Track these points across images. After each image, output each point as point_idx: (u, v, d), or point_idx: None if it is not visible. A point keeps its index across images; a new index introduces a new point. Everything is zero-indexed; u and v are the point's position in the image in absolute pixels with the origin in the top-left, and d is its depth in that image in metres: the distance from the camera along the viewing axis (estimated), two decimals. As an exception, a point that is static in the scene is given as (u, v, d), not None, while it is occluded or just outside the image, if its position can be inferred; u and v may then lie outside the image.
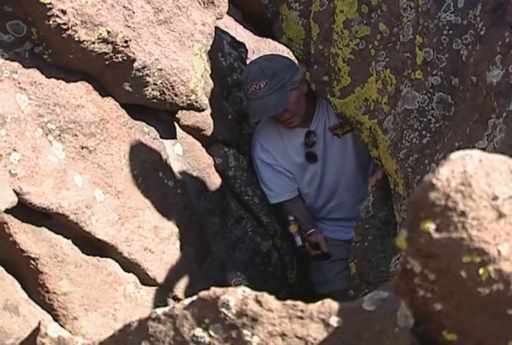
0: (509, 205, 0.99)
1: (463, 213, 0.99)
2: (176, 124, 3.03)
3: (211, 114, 3.17)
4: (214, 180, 3.17)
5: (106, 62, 2.43)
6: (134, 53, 2.46)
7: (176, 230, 2.73)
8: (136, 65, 2.50)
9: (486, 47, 2.23)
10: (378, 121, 2.84)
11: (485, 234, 0.99)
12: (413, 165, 2.55)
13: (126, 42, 2.39)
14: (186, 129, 3.11)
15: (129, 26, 2.42)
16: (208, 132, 3.22)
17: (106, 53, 2.39)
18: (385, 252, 2.77)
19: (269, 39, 4.03)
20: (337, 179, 3.34)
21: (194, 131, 3.15)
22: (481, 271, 0.99)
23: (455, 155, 1.02)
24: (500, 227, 0.99)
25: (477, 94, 2.25)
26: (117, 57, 2.42)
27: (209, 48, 2.98)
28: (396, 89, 2.70)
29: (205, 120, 3.16)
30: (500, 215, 0.99)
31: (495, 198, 0.99)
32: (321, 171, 3.33)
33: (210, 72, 3.00)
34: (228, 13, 3.70)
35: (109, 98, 2.57)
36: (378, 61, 2.83)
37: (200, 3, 2.85)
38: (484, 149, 2.03)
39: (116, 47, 2.38)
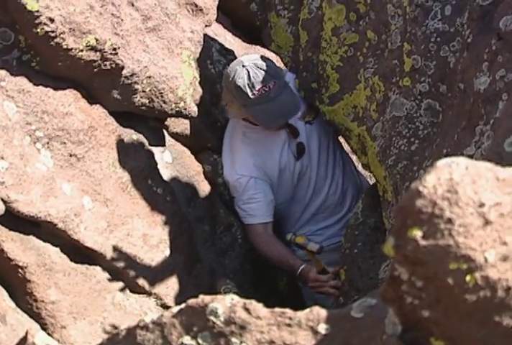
0: (495, 212, 1.00)
1: (450, 220, 1.00)
2: (165, 132, 3.03)
3: (200, 121, 3.16)
4: (203, 187, 3.17)
5: (95, 70, 2.43)
6: (122, 61, 2.46)
7: (165, 237, 2.73)
8: (124, 72, 2.50)
9: (473, 54, 2.24)
10: (367, 128, 2.84)
11: (472, 241, 0.99)
12: (401, 172, 2.56)
13: (114, 49, 2.40)
14: (175, 136, 3.11)
15: (117, 34, 2.42)
16: (198, 139, 3.22)
17: (95, 61, 2.39)
18: (375, 259, 2.77)
19: (258, 47, 4.03)
20: (318, 170, 3.29)
21: (183, 139, 3.15)
22: (468, 278, 0.99)
23: (441, 163, 1.02)
24: (487, 234, 1.00)
25: (464, 101, 2.26)
26: (105, 65, 2.42)
27: (198, 55, 2.98)
28: (384, 96, 2.71)
29: (194, 127, 3.16)
30: (487, 222, 1.00)
31: (482, 205, 1.00)
32: (307, 165, 3.26)
33: (199, 79, 3.00)
34: (217, 20, 3.71)
35: (98, 105, 2.57)
36: (367, 68, 2.84)
37: (188, 11, 2.85)
38: (472, 156, 2.04)
39: (105, 54, 2.38)
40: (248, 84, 2.99)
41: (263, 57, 3.11)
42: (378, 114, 2.76)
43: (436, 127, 2.49)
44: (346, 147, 3.40)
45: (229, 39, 3.88)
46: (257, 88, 2.99)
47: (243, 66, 3.01)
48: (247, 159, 3.16)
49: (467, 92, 2.24)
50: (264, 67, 3.01)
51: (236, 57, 3.57)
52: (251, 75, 2.99)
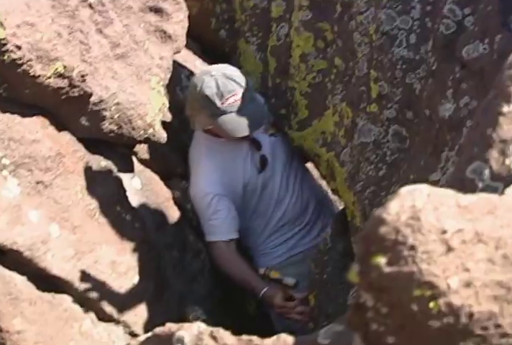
0: (457, 239, 1.01)
1: (413, 247, 1.01)
2: (134, 158, 3.03)
3: (170, 147, 3.16)
4: (173, 214, 3.16)
5: (63, 97, 2.42)
6: (90, 87, 2.46)
7: (134, 264, 2.71)
8: (93, 99, 2.50)
9: (438, 81, 2.28)
10: (335, 154, 2.87)
11: (435, 268, 1.00)
12: (369, 197, 2.58)
13: (82, 76, 2.40)
14: (144, 162, 3.11)
15: (85, 61, 2.42)
16: (167, 165, 3.22)
17: (62, 88, 2.38)
18: (344, 284, 2.78)
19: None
20: (280, 182, 3.28)
21: (152, 165, 3.15)
22: (431, 304, 1.00)
23: (404, 190, 1.04)
24: (450, 260, 1.01)
25: (430, 127, 2.29)
26: (73, 92, 2.42)
27: (167, 82, 2.99)
28: (352, 122, 2.73)
29: (163, 153, 3.16)
30: (449, 248, 1.01)
31: (444, 232, 1.01)
32: (270, 178, 3.25)
33: (168, 105, 3.00)
34: (187, 46, 3.73)
35: (66, 132, 2.56)
36: (335, 94, 2.88)
37: (157, 38, 2.87)
38: (438, 182, 2.06)
39: (73, 81, 2.38)
40: (216, 93, 2.97)
41: (231, 67, 3.10)
42: (346, 140, 2.79)
43: (403, 153, 2.51)
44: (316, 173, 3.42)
45: (198, 66, 3.90)
46: (225, 98, 2.97)
47: (211, 75, 2.99)
48: (211, 175, 3.13)
49: (433, 118, 2.27)
50: (233, 77, 3.00)
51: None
52: (219, 84, 2.97)
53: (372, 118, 2.61)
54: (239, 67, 3.35)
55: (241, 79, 3.02)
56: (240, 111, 2.98)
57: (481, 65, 2.07)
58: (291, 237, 3.33)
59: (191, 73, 3.51)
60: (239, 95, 2.98)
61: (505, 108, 1.16)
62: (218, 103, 2.97)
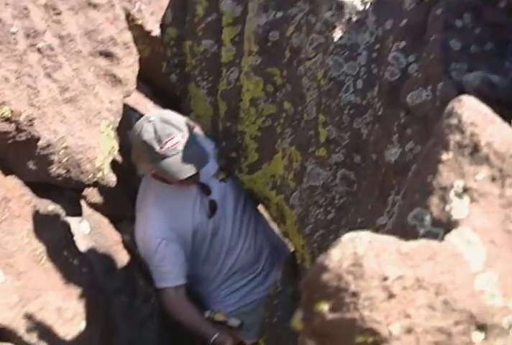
0: (398, 285, 1.02)
1: (355, 294, 1.02)
2: (83, 201, 3.00)
3: (119, 190, 3.14)
4: (122, 258, 3.13)
5: (9, 141, 2.40)
6: (38, 132, 2.45)
7: (81, 310, 2.66)
8: (40, 143, 2.49)
9: (384, 126, 2.32)
10: (285, 197, 2.88)
11: (377, 314, 1.01)
12: (318, 241, 2.59)
13: (30, 120, 2.38)
14: (94, 205, 3.08)
15: (33, 105, 2.41)
16: (116, 208, 3.20)
17: (9, 132, 2.37)
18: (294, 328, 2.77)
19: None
20: (232, 228, 3.27)
21: (102, 208, 3.12)
22: (374, 351, 1.00)
23: (345, 237, 1.05)
24: (391, 307, 1.02)
25: (377, 171, 2.32)
26: (21, 136, 2.40)
27: (117, 125, 2.99)
28: (301, 166, 2.76)
29: (113, 196, 3.14)
30: (391, 295, 1.02)
31: (385, 279, 1.02)
32: (220, 224, 3.24)
33: (118, 148, 3.00)
34: (139, 89, 3.74)
35: (12, 176, 2.53)
36: (284, 138, 2.90)
37: (107, 82, 2.87)
38: (384, 226, 2.09)
39: (20, 126, 2.37)
40: (154, 138, 2.99)
41: (170, 112, 3.13)
42: (296, 183, 2.81)
43: (351, 196, 2.54)
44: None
45: (149, 109, 3.92)
46: (163, 142, 2.99)
47: (149, 121, 3.02)
48: (160, 221, 3.11)
49: (379, 163, 2.30)
50: (171, 121, 3.03)
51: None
52: (157, 128, 2.99)
53: (321, 162, 2.64)
54: (190, 111, 3.37)
55: (179, 122, 3.06)
56: (180, 154, 3.00)
57: (424, 111, 2.12)
58: (244, 285, 3.31)
59: (141, 116, 3.52)
60: (178, 138, 3.01)
61: (444, 156, 1.19)
62: (157, 147, 2.99)
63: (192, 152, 3.03)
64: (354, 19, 2.54)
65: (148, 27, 3.83)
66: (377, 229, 2.15)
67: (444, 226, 1.16)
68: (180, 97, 3.47)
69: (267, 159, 3.01)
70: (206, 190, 3.22)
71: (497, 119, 1.21)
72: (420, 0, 2.32)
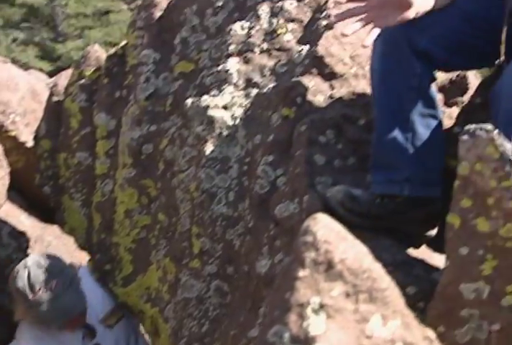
0: None
1: None
2: None
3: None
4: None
5: None
6: None
7: None
8: None
9: (255, 238, 2.37)
10: (160, 310, 2.84)
11: None
12: (193, 355, 2.55)
13: None
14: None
15: None
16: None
17: None
18: None
19: (54, 226, 4.00)
20: None
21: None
22: None
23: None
24: None
25: (248, 283, 2.34)
26: None
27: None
28: (176, 277, 2.75)
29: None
30: None
31: None
32: None
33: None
34: (12, 200, 3.67)
35: None
36: (158, 250, 2.90)
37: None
38: (255, 338, 2.09)
39: None
40: (28, 285, 2.93)
41: (49, 256, 3.09)
42: (170, 295, 2.78)
43: (225, 308, 2.54)
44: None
45: (22, 221, 3.83)
46: (36, 289, 2.93)
47: (25, 267, 2.97)
48: None
49: (251, 274, 2.33)
50: (47, 266, 2.98)
51: (28, 240, 3.52)
52: (31, 275, 2.94)
53: (195, 273, 2.64)
54: (64, 223, 3.32)
55: (56, 267, 3.01)
56: (54, 300, 2.93)
57: (292, 223, 2.19)
58: None
59: (13, 229, 3.44)
60: (52, 285, 2.95)
61: (301, 273, 1.22)
62: (29, 295, 2.93)
63: (67, 298, 2.97)
64: (225, 133, 2.63)
65: (22, 138, 3.80)
66: (248, 342, 2.15)
67: (302, 343, 1.18)
68: (54, 209, 3.42)
69: (141, 271, 2.98)
70: (91, 333, 3.16)
71: (349, 236, 1.27)
72: (285, 116, 2.44)
